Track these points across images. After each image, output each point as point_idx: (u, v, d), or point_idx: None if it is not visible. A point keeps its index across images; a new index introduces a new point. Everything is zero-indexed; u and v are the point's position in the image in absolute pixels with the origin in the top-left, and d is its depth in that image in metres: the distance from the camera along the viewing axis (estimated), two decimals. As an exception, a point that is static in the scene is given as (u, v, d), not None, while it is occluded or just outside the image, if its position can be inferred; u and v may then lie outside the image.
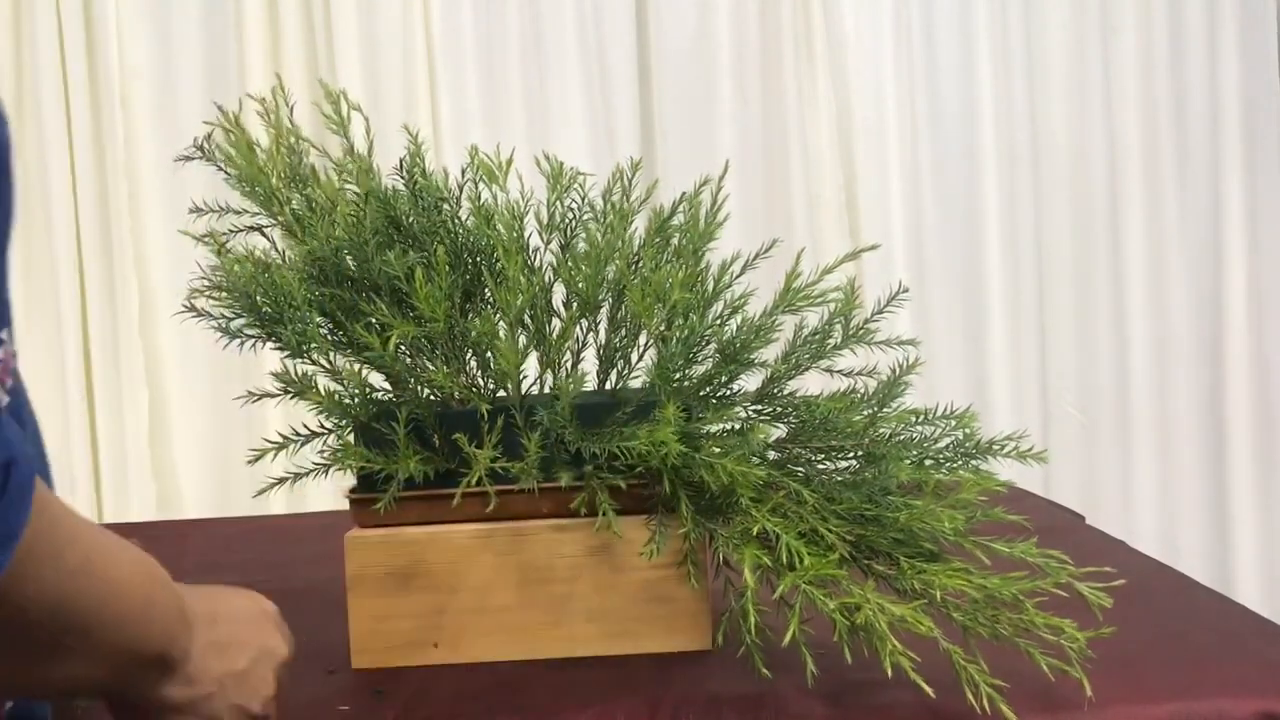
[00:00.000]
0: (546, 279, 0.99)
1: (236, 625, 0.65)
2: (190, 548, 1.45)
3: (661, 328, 0.95)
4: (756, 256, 1.03)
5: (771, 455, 0.97)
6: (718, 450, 0.89)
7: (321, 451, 0.95)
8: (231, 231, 1.00)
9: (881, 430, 0.96)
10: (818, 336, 1.00)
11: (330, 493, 1.10)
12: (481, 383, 0.96)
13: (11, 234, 0.50)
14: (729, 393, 0.98)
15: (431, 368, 0.94)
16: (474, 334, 0.94)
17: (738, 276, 1.00)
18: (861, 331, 1.00)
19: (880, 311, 1.01)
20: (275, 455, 0.94)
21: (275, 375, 0.94)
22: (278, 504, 1.97)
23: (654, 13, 2.37)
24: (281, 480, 0.97)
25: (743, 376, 0.97)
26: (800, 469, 0.95)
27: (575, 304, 0.97)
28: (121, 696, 0.57)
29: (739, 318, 0.97)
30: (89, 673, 0.52)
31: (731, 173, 1.09)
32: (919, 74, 2.42)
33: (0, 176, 0.48)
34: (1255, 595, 2.40)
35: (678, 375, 0.94)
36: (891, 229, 2.39)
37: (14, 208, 0.48)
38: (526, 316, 0.96)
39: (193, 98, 2.32)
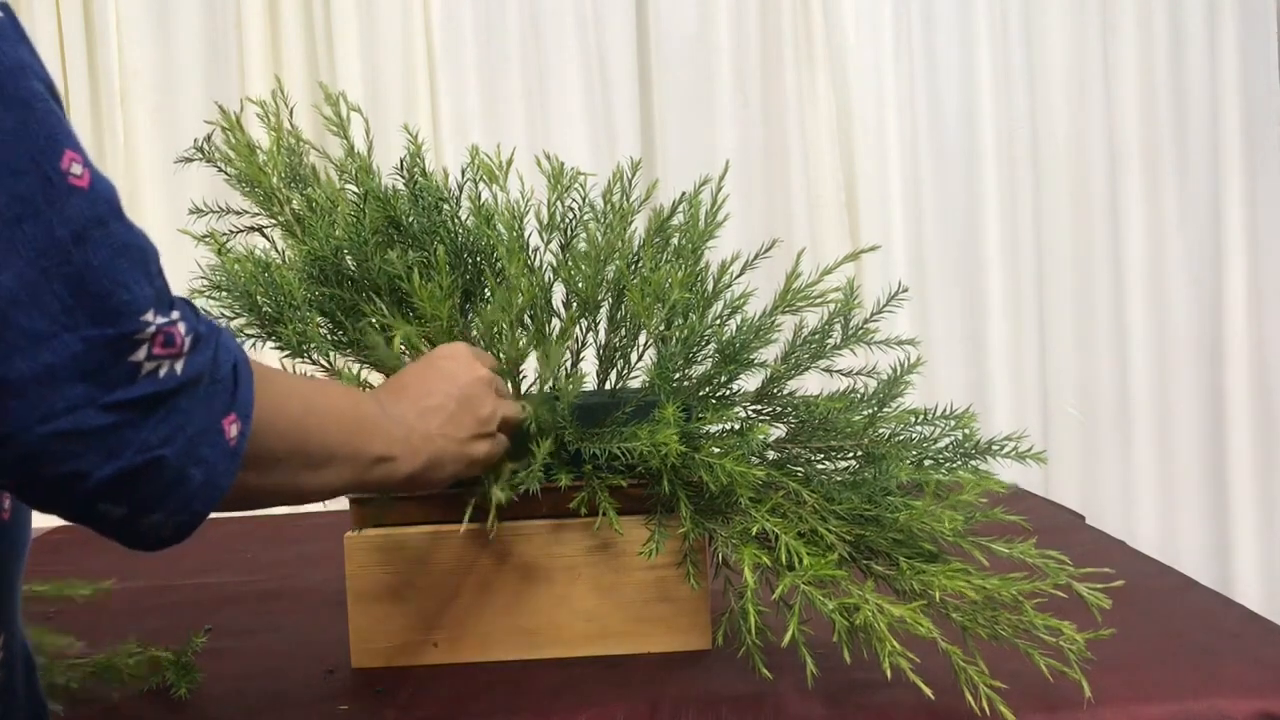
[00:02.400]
0: (546, 279, 0.99)
1: (427, 383, 0.79)
2: (190, 548, 1.44)
3: (661, 328, 0.95)
4: (756, 256, 1.03)
5: (771, 455, 0.97)
6: (717, 450, 0.89)
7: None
8: (231, 231, 1.00)
9: (881, 430, 0.96)
10: (817, 336, 1.00)
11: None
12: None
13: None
14: (729, 393, 0.98)
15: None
16: (475, 333, 0.94)
17: (737, 276, 1.00)
18: (861, 331, 1.00)
19: (880, 311, 1.01)
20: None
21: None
22: (278, 504, 1.96)
23: (654, 13, 2.37)
24: (281, 480, 0.97)
25: (742, 376, 0.97)
26: (800, 469, 0.95)
27: (575, 304, 0.97)
28: (381, 487, 0.76)
29: (739, 318, 0.97)
30: (339, 477, 0.68)
31: (731, 173, 1.09)
32: (919, 74, 2.42)
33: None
34: (1255, 595, 2.40)
35: (677, 375, 0.94)
36: (891, 229, 2.39)
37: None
38: (526, 316, 0.96)
39: (193, 98, 2.32)
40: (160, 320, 0.52)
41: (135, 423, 0.51)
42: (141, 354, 0.51)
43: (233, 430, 0.56)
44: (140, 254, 0.53)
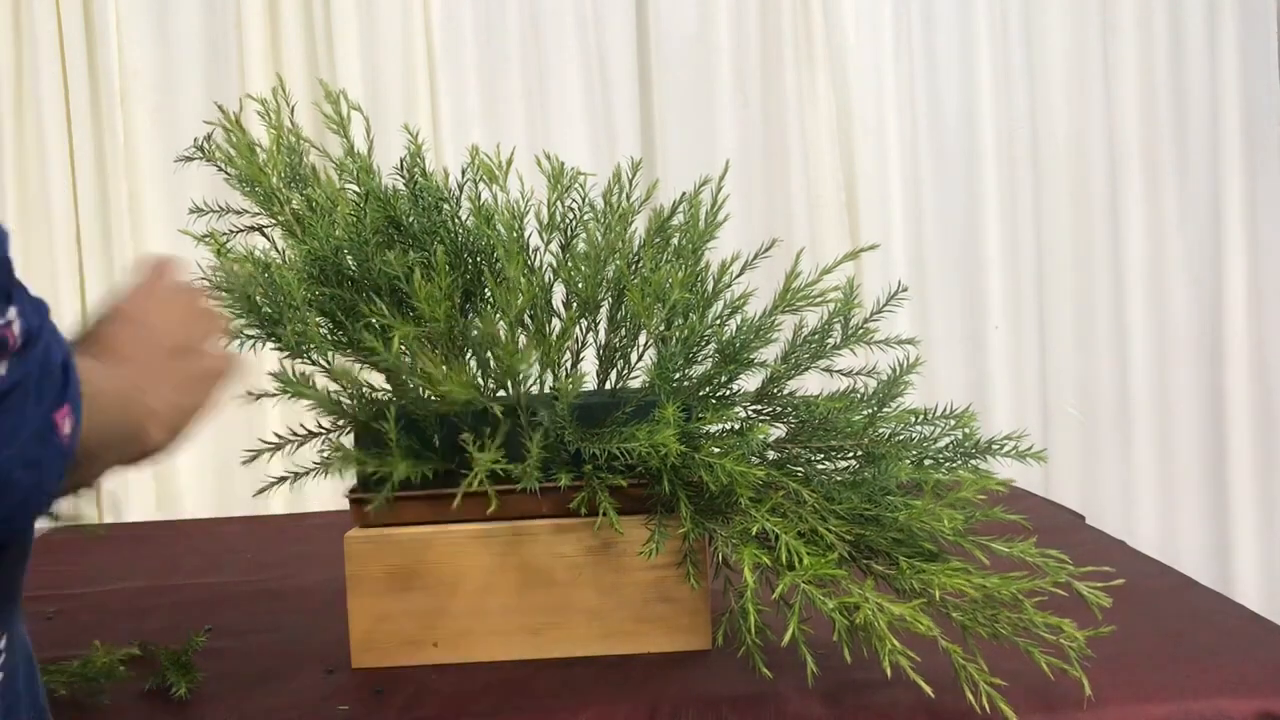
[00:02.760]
0: (546, 279, 0.99)
1: (138, 344, 0.70)
2: (190, 548, 1.45)
3: (661, 328, 0.95)
4: (756, 256, 1.03)
5: (771, 455, 0.97)
6: (717, 450, 0.89)
7: (321, 451, 0.95)
8: (231, 231, 1.00)
9: (881, 430, 0.96)
10: (817, 336, 1.00)
11: (330, 493, 1.10)
12: (481, 382, 0.96)
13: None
14: (729, 393, 0.98)
15: (432, 368, 0.94)
16: (475, 333, 0.94)
17: (737, 276, 1.00)
18: (861, 331, 1.00)
19: (880, 311, 1.01)
20: (272, 455, 0.94)
21: (274, 375, 0.94)
22: (278, 504, 1.97)
23: (654, 13, 2.37)
24: (281, 479, 0.97)
25: (742, 376, 0.97)
26: (800, 469, 0.95)
27: (575, 304, 0.97)
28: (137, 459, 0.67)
29: (739, 318, 0.97)
30: (114, 461, 0.63)
31: (731, 173, 1.09)
32: (919, 74, 2.42)
33: None
34: (1255, 595, 2.40)
35: (677, 375, 0.94)
36: (891, 229, 2.39)
37: None
38: (526, 316, 0.96)
39: (193, 98, 2.32)
40: None
41: None
42: None
43: (66, 426, 0.53)
44: None
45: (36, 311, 0.52)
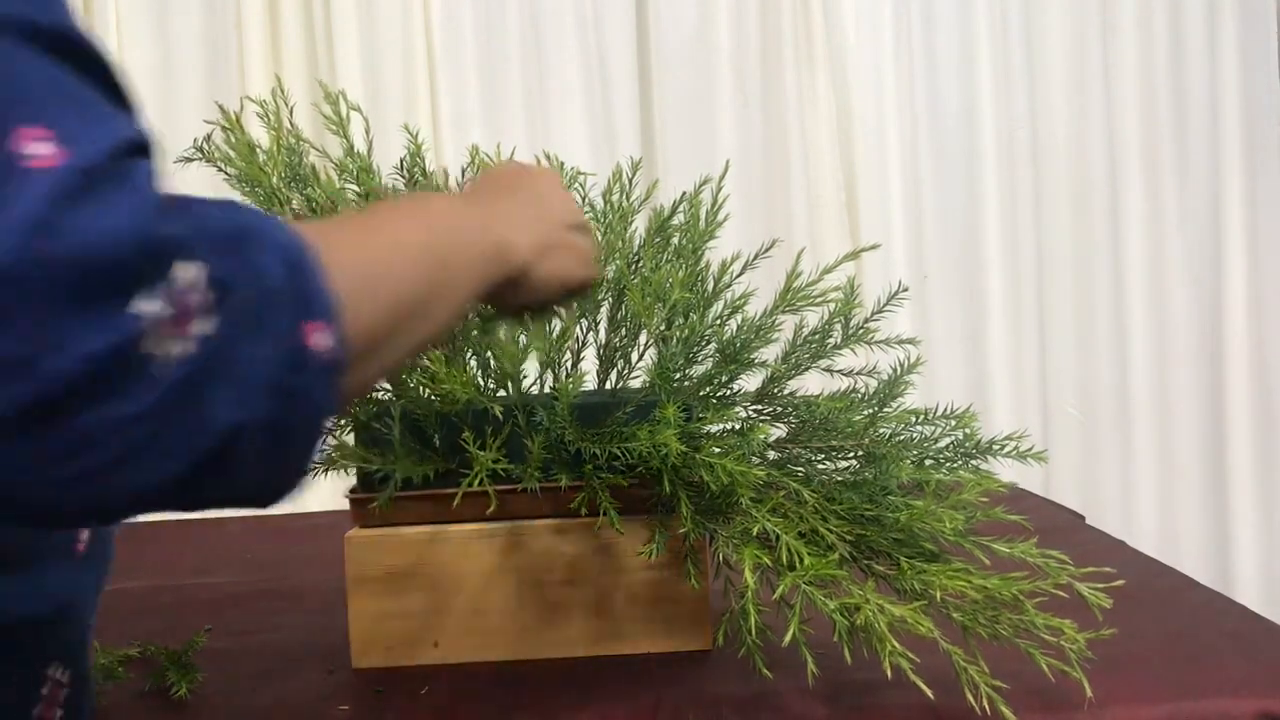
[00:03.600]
0: (546, 279, 0.99)
1: (507, 179, 0.75)
2: (190, 548, 1.45)
3: (661, 328, 0.95)
4: (756, 256, 1.03)
5: (771, 455, 0.97)
6: (718, 450, 0.89)
7: (321, 451, 0.95)
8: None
9: (881, 430, 0.96)
10: (818, 336, 1.00)
11: (330, 493, 1.10)
12: (481, 382, 0.96)
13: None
14: (729, 393, 0.98)
15: (433, 367, 0.94)
16: (475, 333, 0.94)
17: (738, 276, 1.00)
18: (861, 331, 1.00)
19: (880, 311, 1.01)
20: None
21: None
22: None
23: (654, 13, 2.37)
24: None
25: (743, 376, 0.97)
26: (800, 469, 0.95)
27: (575, 304, 0.97)
28: (501, 290, 0.69)
29: (739, 318, 0.97)
30: (454, 303, 0.61)
31: (731, 173, 1.09)
32: (919, 74, 2.42)
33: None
34: (1255, 595, 2.40)
35: (678, 375, 0.94)
36: (891, 229, 2.39)
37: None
38: (526, 316, 0.96)
39: (193, 98, 2.32)
40: (158, 303, 0.41)
41: (176, 413, 0.42)
42: (150, 344, 0.41)
43: (321, 340, 0.46)
44: (111, 247, 0.41)
45: (228, 246, 0.44)
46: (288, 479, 0.49)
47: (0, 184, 0.38)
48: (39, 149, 0.40)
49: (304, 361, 0.46)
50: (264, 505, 0.50)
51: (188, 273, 0.42)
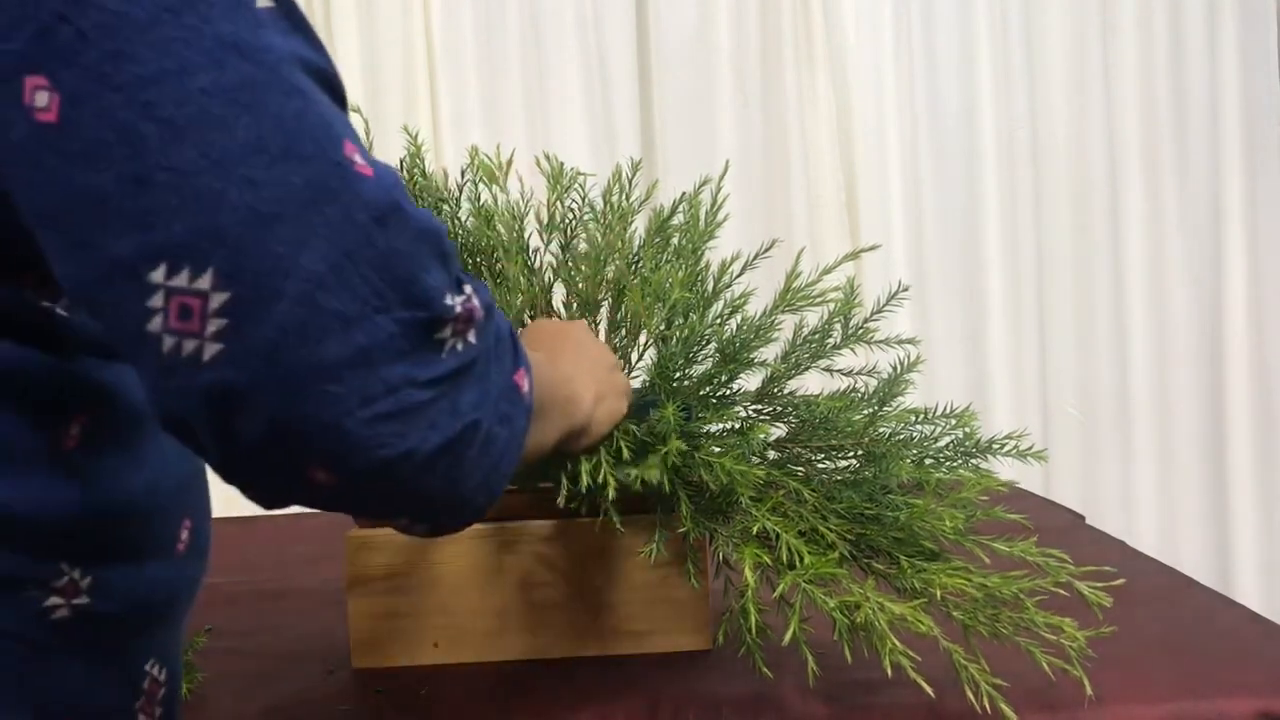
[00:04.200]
0: (546, 279, 0.99)
1: (571, 338, 0.85)
2: (190, 548, 1.44)
3: (661, 328, 0.95)
4: (756, 256, 1.03)
5: (771, 455, 0.97)
6: (717, 450, 0.89)
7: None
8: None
9: (881, 429, 0.96)
10: (817, 336, 1.00)
11: (330, 493, 1.10)
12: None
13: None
14: (729, 392, 0.98)
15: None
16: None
17: (738, 276, 1.00)
18: (861, 331, 1.00)
19: (880, 311, 1.01)
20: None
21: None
22: (278, 504, 1.96)
23: (654, 13, 2.37)
24: (282, 480, 0.97)
25: (743, 376, 0.97)
26: (800, 468, 0.95)
27: (575, 304, 0.97)
28: (569, 437, 0.77)
29: (739, 317, 0.97)
30: (554, 429, 0.72)
31: (731, 173, 1.09)
32: (919, 74, 2.42)
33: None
34: (1255, 595, 2.40)
35: (678, 375, 0.94)
36: (891, 229, 2.39)
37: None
38: (526, 316, 0.96)
39: (193, 98, 2.31)
40: (459, 298, 0.52)
41: (450, 394, 0.52)
42: (448, 331, 0.51)
43: (525, 384, 0.59)
44: (435, 236, 0.52)
45: (484, 287, 0.56)
46: (482, 493, 0.57)
47: (344, 179, 0.48)
48: (358, 159, 0.50)
49: (517, 395, 0.58)
50: (457, 521, 0.59)
51: (469, 289, 0.53)
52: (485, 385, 0.54)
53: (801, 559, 0.82)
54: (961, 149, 2.43)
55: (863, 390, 0.99)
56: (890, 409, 0.97)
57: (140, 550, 0.60)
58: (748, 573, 0.82)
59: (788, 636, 0.79)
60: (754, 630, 0.82)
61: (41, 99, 0.45)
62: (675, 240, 1.02)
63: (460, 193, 1.02)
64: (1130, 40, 2.43)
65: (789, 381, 1.00)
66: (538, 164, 1.04)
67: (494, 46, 2.35)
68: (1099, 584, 0.83)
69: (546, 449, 0.71)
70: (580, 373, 0.79)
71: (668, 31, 2.37)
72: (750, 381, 0.98)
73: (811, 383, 1.00)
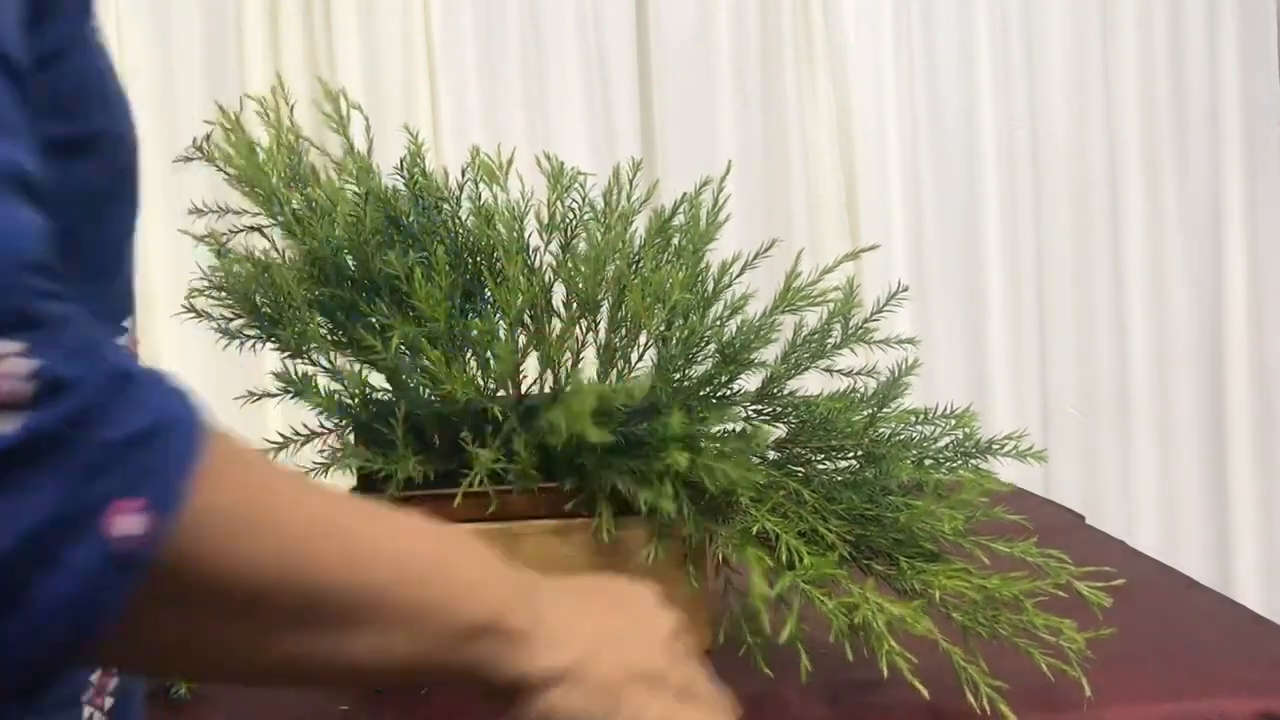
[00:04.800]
0: (546, 279, 0.99)
1: (610, 596, 0.57)
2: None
3: (661, 328, 0.95)
4: (756, 256, 1.03)
5: (771, 455, 0.96)
6: (717, 451, 0.89)
7: (322, 451, 0.95)
8: (231, 231, 1.00)
9: (881, 430, 0.96)
10: (817, 336, 1.00)
11: (330, 493, 1.10)
12: (482, 383, 0.96)
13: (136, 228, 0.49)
14: (729, 393, 0.98)
15: (433, 367, 0.94)
16: (475, 333, 0.94)
17: (738, 277, 1.00)
18: (861, 331, 1.00)
19: (880, 311, 1.01)
20: (275, 456, 0.94)
21: (275, 375, 0.94)
22: (278, 504, 1.96)
23: (654, 13, 2.37)
24: (281, 480, 0.97)
25: (743, 377, 0.97)
26: (800, 469, 0.95)
27: (575, 304, 0.97)
28: (468, 680, 0.49)
29: (739, 318, 0.97)
30: (395, 647, 0.45)
31: (731, 173, 1.09)
32: (919, 74, 2.42)
33: (130, 175, 0.48)
34: (1255, 595, 2.40)
35: (678, 375, 0.94)
36: (891, 229, 2.39)
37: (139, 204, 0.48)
38: (526, 316, 0.96)
39: (193, 98, 2.32)
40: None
41: None
42: None
43: (127, 525, 0.37)
44: None
45: (86, 358, 0.37)
46: (14, 671, 0.37)
47: None
48: None
49: (82, 533, 0.36)
50: None
51: (20, 349, 0.35)
52: (10, 508, 0.35)
53: (801, 559, 0.82)
54: (961, 149, 2.43)
55: (863, 391, 0.99)
56: (890, 409, 0.97)
57: None
58: (757, 578, 0.82)
59: (785, 635, 0.79)
60: (759, 631, 0.82)
61: None
62: (675, 241, 1.02)
63: (460, 192, 1.02)
64: (1130, 40, 2.43)
65: (789, 382, 1.00)
66: (538, 164, 1.04)
67: (494, 46, 2.35)
68: (1099, 584, 0.83)
69: (379, 668, 0.46)
70: (612, 641, 0.53)
71: (668, 31, 2.37)
72: (750, 382, 0.98)
73: (811, 383, 1.00)
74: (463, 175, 1.02)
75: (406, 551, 0.47)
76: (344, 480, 0.96)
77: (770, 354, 0.98)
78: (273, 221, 1.00)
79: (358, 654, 0.45)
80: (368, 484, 0.94)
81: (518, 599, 0.50)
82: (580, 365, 1.00)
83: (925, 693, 0.76)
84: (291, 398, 0.94)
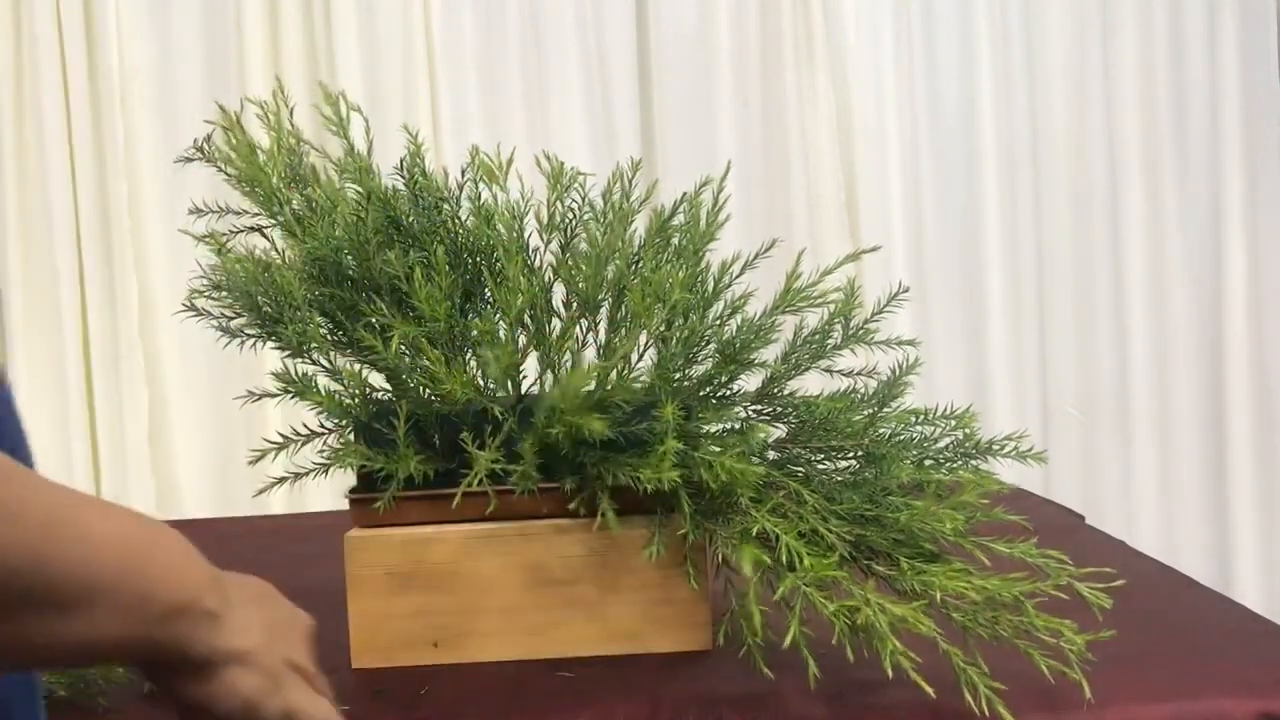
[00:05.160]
0: (546, 279, 0.99)
1: (261, 590, 0.64)
2: (190, 548, 1.44)
3: (662, 328, 0.95)
4: (756, 256, 1.03)
5: (771, 455, 0.97)
6: (717, 449, 0.89)
7: (321, 451, 0.95)
8: (231, 231, 1.00)
9: (881, 430, 0.96)
10: (818, 336, 1.00)
11: (330, 493, 1.10)
12: (482, 383, 0.96)
13: None
14: (729, 393, 0.98)
15: (433, 367, 0.94)
16: (475, 333, 0.94)
17: (738, 276, 1.00)
18: (861, 331, 1.00)
19: (880, 311, 1.01)
20: (275, 455, 0.94)
21: (275, 375, 0.94)
22: (278, 504, 1.96)
23: (654, 13, 2.37)
24: (281, 480, 0.97)
25: (743, 376, 0.97)
26: (800, 469, 0.95)
27: (575, 304, 0.97)
28: (161, 658, 0.52)
29: (739, 318, 0.97)
30: (106, 627, 0.48)
31: (731, 173, 1.09)
32: (919, 74, 2.42)
33: None
34: (1255, 595, 2.40)
35: (678, 375, 0.94)
36: (891, 229, 2.40)
37: None
38: (526, 316, 0.96)
39: (193, 98, 2.32)
40: None
41: None
42: None
43: None
44: None
45: None
46: None
47: None
48: None
49: None
50: None
51: None
52: None
53: (801, 560, 0.82)
54: (961, 149, 2.43)
55: (863, 391, 0.99)
56: (890, 410, 0.97)
57: None
58: (748, 569, 0.82)
59: (787, 640, 0.79)
60: (756, 631, 0.82)
61: None
62: (675, 241, 1.02)
63: (460, 192, 1.02)
64: (1130, 40, 2.43)
65: (789, 382, 1.00)
66: (538, 164, 1.04)
67: (494, 46, 2.35)
68: (1099, 585, 0.83)
69: (85, 647, 0.48)
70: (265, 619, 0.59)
71: (668, 31, 2.38)
72: (750, 382, 0.98)
73: (811, 383, 1.00)
74: (463, 175, 1.02)
75: (126, 538, 0.50)
76: (343, 480, 0.96)
77: (770, 354, 0.98)
78: (273, 221, 1.00)
79: (76, 633, 0.47)
80: (368, 483, 0.94)
81: (211, 583, 0.55)
82: (580, 365, 1.00)
83: (931, 692, 0.76)
84: (291, 398, 0.94)
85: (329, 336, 0.96)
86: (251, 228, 1.02)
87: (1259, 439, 2.45)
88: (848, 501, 0.89)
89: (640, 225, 1.03)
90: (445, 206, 1.01)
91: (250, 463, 0.93)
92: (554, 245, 1.02)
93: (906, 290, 1.01)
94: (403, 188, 1.02)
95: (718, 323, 0.97)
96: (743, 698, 0.83)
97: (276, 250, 1.00)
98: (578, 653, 0.94)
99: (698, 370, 0.96)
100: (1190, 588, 1.07)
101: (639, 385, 0.94)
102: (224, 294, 0.96)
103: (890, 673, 0.77)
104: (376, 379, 0.96)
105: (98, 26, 2.28)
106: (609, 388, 0.91)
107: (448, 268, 0.93)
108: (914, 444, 0.96)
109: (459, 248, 0.98)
